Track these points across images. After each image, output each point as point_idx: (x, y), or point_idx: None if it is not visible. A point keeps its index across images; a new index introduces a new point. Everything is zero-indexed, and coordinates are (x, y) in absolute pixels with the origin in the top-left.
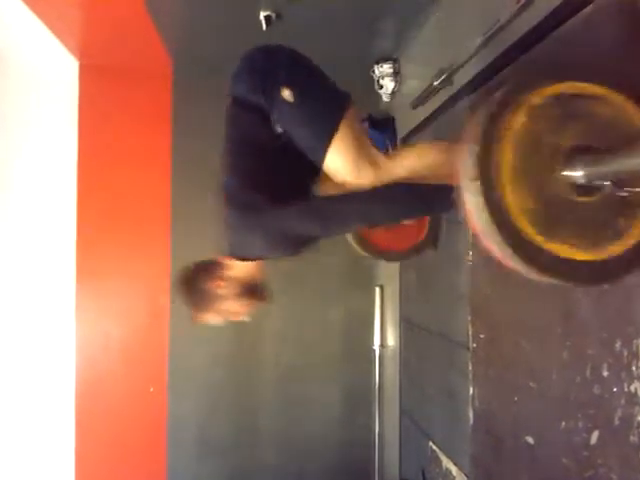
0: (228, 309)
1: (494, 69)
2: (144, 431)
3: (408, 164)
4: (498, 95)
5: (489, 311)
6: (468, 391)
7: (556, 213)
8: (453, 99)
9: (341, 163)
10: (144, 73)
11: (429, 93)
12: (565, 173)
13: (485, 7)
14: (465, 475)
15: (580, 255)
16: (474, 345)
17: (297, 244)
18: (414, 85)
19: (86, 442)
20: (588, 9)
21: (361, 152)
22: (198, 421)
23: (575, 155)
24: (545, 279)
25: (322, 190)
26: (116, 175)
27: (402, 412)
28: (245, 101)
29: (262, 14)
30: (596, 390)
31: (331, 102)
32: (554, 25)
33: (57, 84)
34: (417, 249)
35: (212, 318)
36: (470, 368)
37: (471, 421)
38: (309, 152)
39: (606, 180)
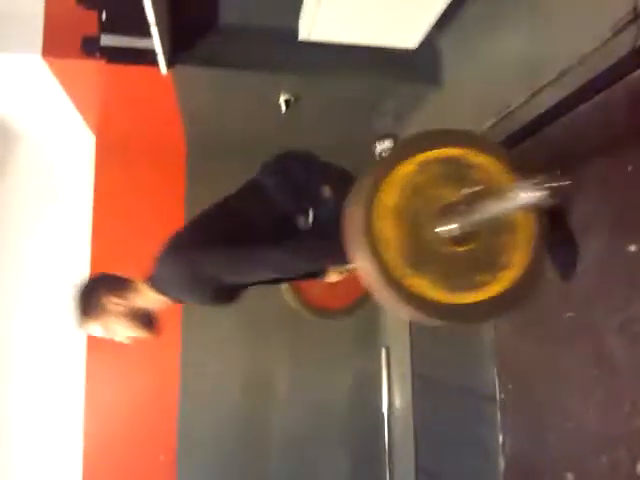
0: (111, 326)
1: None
2: None
3: None
4: (396, 146)
5: (516, 361)
6: (497, 440)
7: (426, 253)
8: None
9: None
10: (157, 148)
11: None
12: (439, 225)
13: (494, 93)
14: None
15: (437, 295)
16: (502, 396)
17: (210, 289)
18: None
19: None
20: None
21: None
22: None
23: (449, 209)
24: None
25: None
26: (129, 251)
27: (419, 470)
28: (268, 192)
29: (282, 98)
30: (637, 423)
31: None
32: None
33: (74, 158)
34: (352, 308)
35: (93, 329)
36: (498, 418)
37: (502, 467)
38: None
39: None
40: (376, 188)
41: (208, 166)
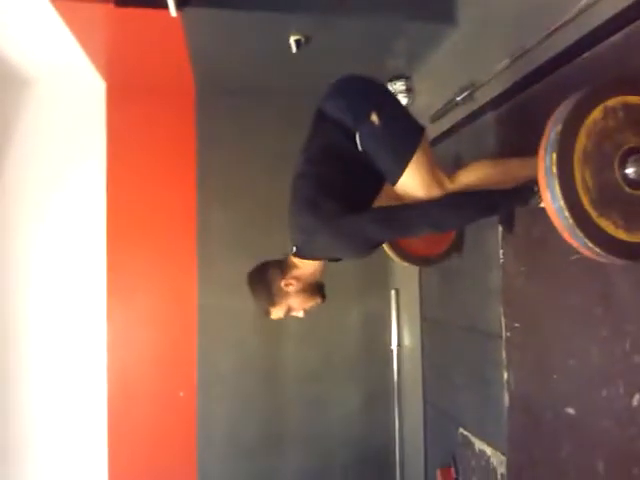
0: (292, 305)
1: (517, 89)
2: (175, 434)
3: (467, 182)
4: (581, 94)
5: (523, 301)
6: (502, 377)
7: (609, 195)
8: (474, 114)
9: (414, 184)
10: (167, 91)
11: (449, 108)
12: (623, 168)
13: (509, 32)
14: (501, 453)
15: (619, 234)
16: (508, 334)
17: (366, 247)
18: (427, 101)
19: (118, 446)
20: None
21: (431, 175)
22: (226, 423)
23: (631, 154)
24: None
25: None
26: (144, 190)
27: (426, 404)
28: (332, 117)
29: (292, 38)
30: (636, 359)
31: (411, 130)
32: (579, 51)
33: (86, 104)
34: (446, 254)
35: (277, 313)
36: (504, 355)
37: (507, 403)
38: (386, 172)
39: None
40: (573, 134)
41: (218, 106)
